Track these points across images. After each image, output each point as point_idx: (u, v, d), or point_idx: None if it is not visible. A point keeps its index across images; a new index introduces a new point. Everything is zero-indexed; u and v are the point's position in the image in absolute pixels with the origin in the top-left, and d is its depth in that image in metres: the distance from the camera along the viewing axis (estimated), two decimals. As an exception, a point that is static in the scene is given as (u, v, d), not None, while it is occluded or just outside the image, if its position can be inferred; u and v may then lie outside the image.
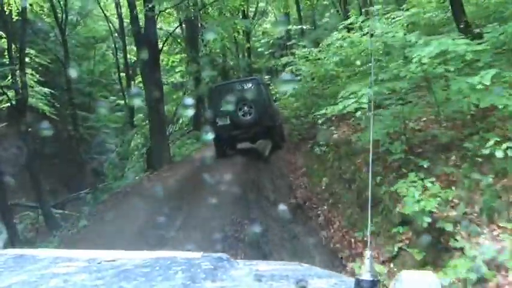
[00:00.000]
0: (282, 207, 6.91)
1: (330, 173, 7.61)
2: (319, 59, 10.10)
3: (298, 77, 10.27)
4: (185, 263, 1.11)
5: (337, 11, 19.42)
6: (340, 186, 6.99)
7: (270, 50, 24.38)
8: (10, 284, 0.99)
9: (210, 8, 15.03)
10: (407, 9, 7.92)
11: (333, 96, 7.44)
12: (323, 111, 6.25)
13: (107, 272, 1.07)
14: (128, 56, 16.79)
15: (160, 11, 11.91)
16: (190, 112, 15.22)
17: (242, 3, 16.45)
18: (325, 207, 6.88)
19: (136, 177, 11.64)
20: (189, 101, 15.30)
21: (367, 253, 0.85)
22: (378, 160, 5.73)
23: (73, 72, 14.94)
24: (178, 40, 17.19)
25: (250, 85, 9.61)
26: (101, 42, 16.53)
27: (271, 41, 24.05)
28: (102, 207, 9.05)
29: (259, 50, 23.55)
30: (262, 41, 23.86)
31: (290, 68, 10.39)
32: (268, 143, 10.07)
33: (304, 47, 10.10)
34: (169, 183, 8.55)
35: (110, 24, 15.14)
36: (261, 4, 21.62)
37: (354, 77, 8.67)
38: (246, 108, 9.14)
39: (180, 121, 18.45)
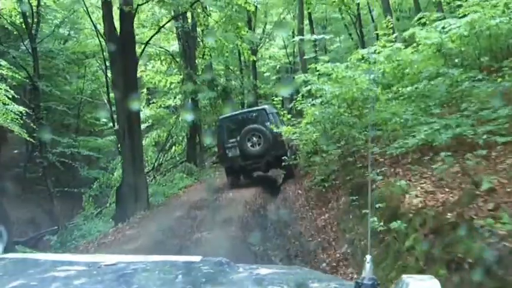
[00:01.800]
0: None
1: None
2: (344, 77, 8.48)
3: (318, 100, 8.91)
4: (185, 267, 1.23)
5: (350, 35, 20.14)
6: None
7: (277, 76, 25.17)
8: None
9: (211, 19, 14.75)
10: (464, 15, 6.72)
11: (374, 125, 6.77)
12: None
13: (107, 276, 1.21)
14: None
15: (138, 5, 10.81)
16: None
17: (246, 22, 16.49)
18: None
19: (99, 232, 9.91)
20: (189, 117, 15.11)
21: (367, 257, 0.97)
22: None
23: (59, 90, 14.92)
24: (175, 57, 17.06)
25: (258, 115, 10.91)
26: (92, 58, 16.51)
27: (278, 66, 24.83)
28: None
29: (265, 74, 24.14)
30: (269, 65, 24.46)
31: (307, 88, 9.05)
32: (280, 172, 11.11)
33: (327, 61, 8.57)
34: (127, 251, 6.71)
35: (101, 39, 15.17)
36: (269, 26, 22.27)
37: (397, 100, 7.35)
38: (254, 138, 10.41)
39: (173, 149, 18.27)
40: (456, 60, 6.75)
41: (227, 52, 17.08)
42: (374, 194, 5.11)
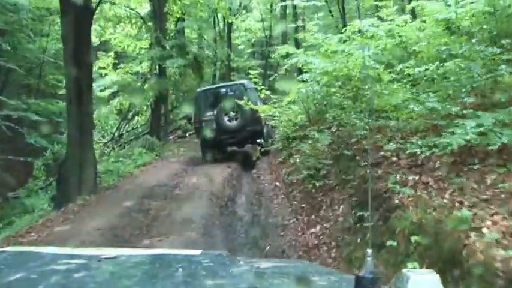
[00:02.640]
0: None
1: None
2: (335, 51, 7.72)
3: (306, 75, 8.18)
4: (185, 260, 1.34)
5: (329, 11, 20.24)
6: None
7: (251, 49, 25.20)
8: (11, 281, 1.16)
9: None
10: None
11: (377, 111, 6.04)
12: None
13: (107, 269, 1.30)
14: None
15: None
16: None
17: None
18: None
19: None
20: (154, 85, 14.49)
21: (368, 251, 1.05)
22: None
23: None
24: (146, 21, 16.38)
25: (236, 90, 11.40)
26: (57, 15, 15.79)
27: (253, 40, 24.81)
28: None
29: (240, 47, 24.09)
30: (245, 38, 24.38)
31: (291, 62, 8.38)
32: (255, 148, 11.24)
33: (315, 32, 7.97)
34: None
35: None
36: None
37: (403, 80, 6.58)
38: (232, 113, 10.74)
39: (136, 119, 17.93)
40: (474, 40, 5.89)
41: (201, 11, 16.64)
42: (398, 213, 3.91)
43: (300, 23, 19.81)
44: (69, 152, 9.11)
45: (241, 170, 10.49)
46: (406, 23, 7.30)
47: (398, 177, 4.47)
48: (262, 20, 23.97)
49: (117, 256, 1.38)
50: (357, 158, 5.81)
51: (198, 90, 12.55)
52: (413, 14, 7.60)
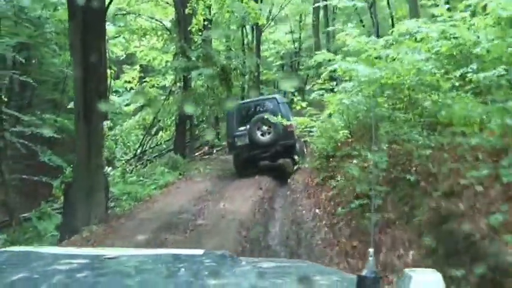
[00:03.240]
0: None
1: None
2: (379, 57, 7.26)
3: (349, 84, 7.76)
4: (188, 260, 1.40)
5: (361, 21, 20.31)
6: None
7: (280, 62, 25.54)
8: (13, 281, 1.23)
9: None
10: None
11: (441, 124, 5.50)
12: None
13: (110, 269, 1.39)
14: (111, 48, 16.50)
15: None
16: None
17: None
18: None
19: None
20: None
21: (370, 251, 1.10)
22: None
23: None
24: (172, 32, 16.51)
25: (269, 104, 12.12)
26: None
27: (282, 52, 25.17)
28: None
29: (269, 59, 24.49)
30: (273, 50, 25.11)
31: (329, 70, 7.93)
32: (289, 165, 11.80)
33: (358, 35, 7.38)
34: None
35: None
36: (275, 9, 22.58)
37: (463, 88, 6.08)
38: (264, 127, 11.48)
39: (159, 135, 18.12)
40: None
41: (229, 20, 16.71)
42: None
43: (331, 30, 19.80)
44: (76, 174, 8.75)
45: (274, 191, 10.29)
46: (465, 21, 6.56)
47: (500, 217, 3.38)
48: (292, 32, 24.44)
49: (120, 256, 1.46)
50: (422, 184, 4.96)
51: (231, 105, 13.43)
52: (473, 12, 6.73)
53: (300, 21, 24.23)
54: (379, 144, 5.98)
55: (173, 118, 16.52)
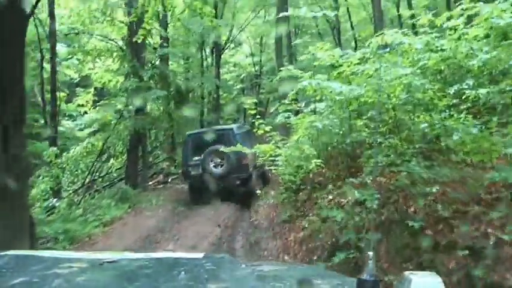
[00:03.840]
0: None
1: None
2: (355, 73, 6.93)
3: (322, 104, 7.40)
4: (188, 263, 1.52)
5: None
6: None
7: (241, 85, 26.04)
8: (13, 285, 1.30)
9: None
10: None
11: (437, 151, 5.08)
12: None
13: (109, 273, 1.49)
14: (58, 68, 15.37)
15: None
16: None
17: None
18: None
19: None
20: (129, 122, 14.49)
21: (369, 254, 1.18)
22: None
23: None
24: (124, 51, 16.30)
25: (224, 135, 12.27)
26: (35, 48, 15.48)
27: (242, 75, 25.70)
28: None
29: (229, 83, 25.11)
30: (233, 74, 26.12)
31: (301, 85, 7.23)
32: (250, 196, 11.90)
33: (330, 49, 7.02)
34: None
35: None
36: (235, 31, 23.11)
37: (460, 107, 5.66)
38: (217, 159, 12.01)
39: (110, 163, 17.63)
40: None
41: (187, 37, 16.78)
42: None
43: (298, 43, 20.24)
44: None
45: (234, 227, 9.91)
46: (455, 31, 6.32)
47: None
48: (252, 55, 25.46)
49: (119, 260, 1.57)
50: (429, 232, 4.15)
51: (187, 133, 13.99)
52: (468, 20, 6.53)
53: (261, 44, 24.99)
54: (362, 176, 5.30)
55: (124, 144, 16.28)
